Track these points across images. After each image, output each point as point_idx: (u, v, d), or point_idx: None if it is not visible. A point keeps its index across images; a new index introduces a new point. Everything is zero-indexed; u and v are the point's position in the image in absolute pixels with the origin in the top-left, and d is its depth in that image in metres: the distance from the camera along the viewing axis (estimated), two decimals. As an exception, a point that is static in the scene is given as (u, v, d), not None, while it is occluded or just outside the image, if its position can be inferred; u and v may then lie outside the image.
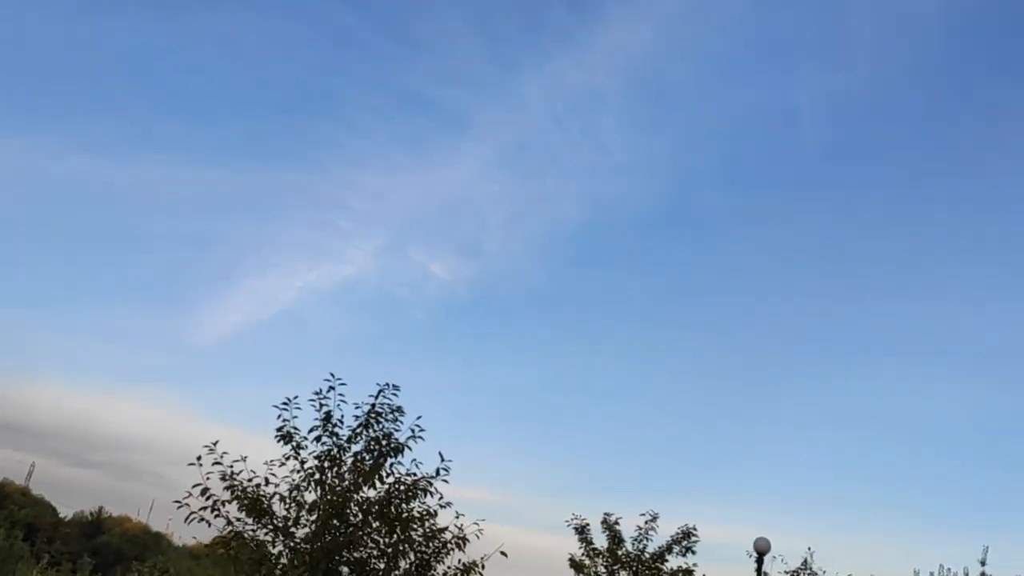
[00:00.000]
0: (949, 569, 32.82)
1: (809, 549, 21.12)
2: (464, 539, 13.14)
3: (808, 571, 21.24)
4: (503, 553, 12.71)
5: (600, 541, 20.30)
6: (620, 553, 19.83)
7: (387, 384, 13.65)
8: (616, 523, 20.21)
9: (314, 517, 13.05)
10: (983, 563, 32.12)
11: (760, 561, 19.27)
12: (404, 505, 13.24)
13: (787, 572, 21.14)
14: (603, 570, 19.72)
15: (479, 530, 13.02)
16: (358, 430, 13.64)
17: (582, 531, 20.32)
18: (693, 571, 18.98)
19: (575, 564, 19.88)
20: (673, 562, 19.62)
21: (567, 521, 20.10)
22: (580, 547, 20.15)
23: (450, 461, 13.54)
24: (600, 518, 20.17)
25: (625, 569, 19.40)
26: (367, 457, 13.49)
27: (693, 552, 19.28)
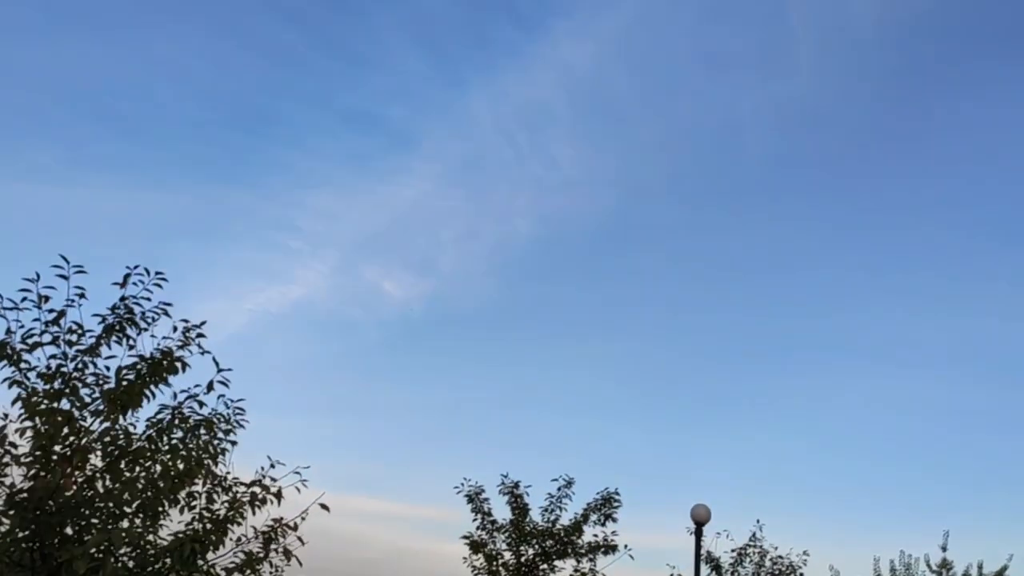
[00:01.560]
0: (910, 555, 29.55)
1: (758, 522, 17.62)
2: (270, 495, 8.28)
3: (757, 547, 17.68)
4: (323, 506, 8.25)
5: (502, 513, 16.28)
6: (526, 525, 15.64)
7: (138, 267, 8.33)
8: (517, 488, 16.04)
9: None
10: (944, 548, 29.07)
11: (699, 532, 15.69)
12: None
13: (733, 550, 17.62)
14: (504, 547, 15.54)
15: (301, 483, 8.47)
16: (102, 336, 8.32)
17: (476, 500, 16.10)
18: (616, 545, 15.49)
19: (474, 543, 15.54)
20: (591, 534, 15.62)
21: (456, 488, 16.13)
22: (475, 519, 15.95)
23: (229, 370, 8.62)
24: (498, 482, 16.08)
25: (532, 545, 15.35)
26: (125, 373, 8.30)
27: (614, 520, 15.41)
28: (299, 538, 8.52)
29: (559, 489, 15.77)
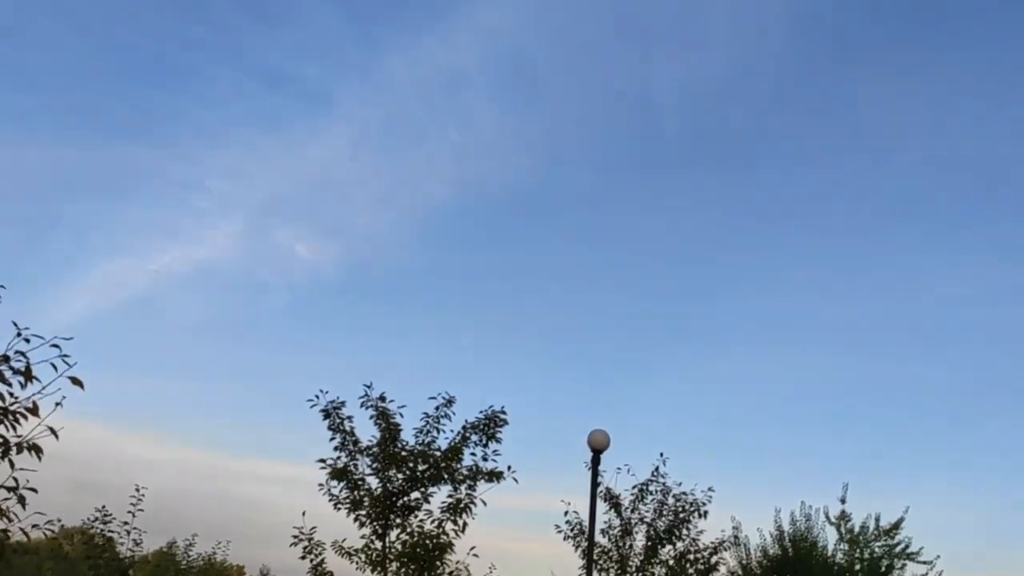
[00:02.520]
0: (811, 506, 28.38)
1: (661, 455, 15.84)
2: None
3: (660, 483, 15.90)
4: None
5: (368, 433, 13.56)
6: (397, 449, 13.04)
7: None
8: (384, 400, 13.27)
9: None
10: (843, 500, 28.66)
11: (596, 460, 13.76)
12: None
13: (635, 486, 15.83)
14: (369, 471, 13.06)
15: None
16: None
17: (335, 416, 13.32)
18: (500, 471, 12.96)
19: (336, 472, 13.04)
20: (470, 458, 13.05)
21: (310, 401, 13.16)
22: (333, 439, 13.24)
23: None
24: (361, 394, 13.15)
25: (401, 469, 12.84)
26: None
27: (498, 441, 12.92)
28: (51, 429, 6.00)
29: (437, 408, 13.25)
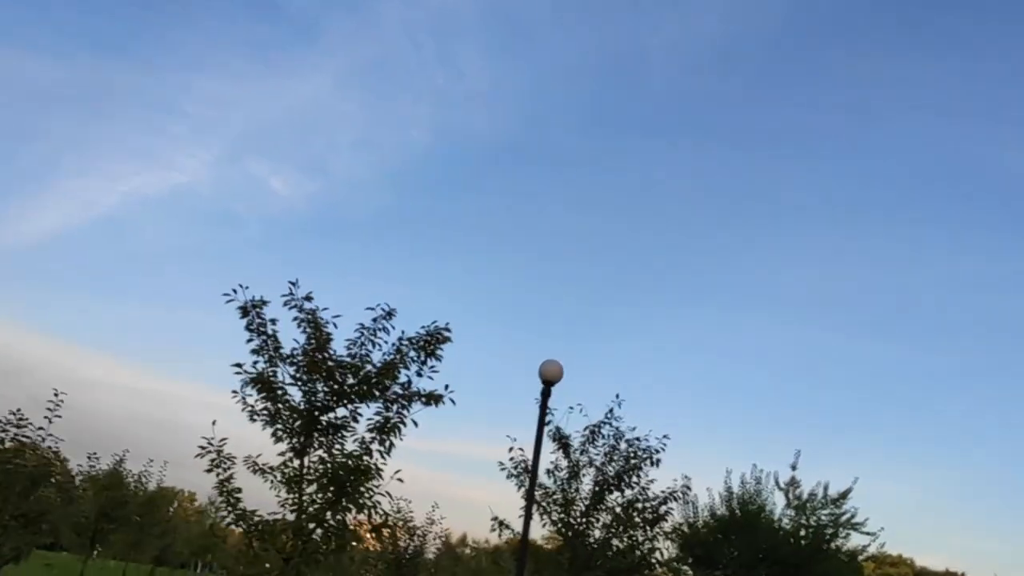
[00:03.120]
0: (762, 470, 29.23)
1: (617, 397, 14.61)
2: None
3: (613, 427, 14.69)
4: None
5: (293, 339, 11.71)
6: (323, 358, 11.40)
7: None
8: (311, 302, 11.52)
9: None
10: (794, 467, 29.09)
11: (546, 393, 12.37)
12: None
13: (587, 427, 14.60)
14: (291, 380, 11.41)
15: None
16: None
17: (254, 315, 11.53)
18: (440, 396, 11.10)
19: (253, 379, 11.30)
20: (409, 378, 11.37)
21: (226, 295, 11.40)
22: (251, 341, 11.41)
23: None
24: (285, 292, 11.41)
25: (328, 382, 11.27)
26: None
27: (438, 358, 11.30)
28: None
29: (374, 320, 11.56)
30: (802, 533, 30.31)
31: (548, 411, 13.75)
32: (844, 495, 31.01)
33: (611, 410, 14.14)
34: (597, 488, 13.96)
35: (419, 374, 10.95)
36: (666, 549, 13.47)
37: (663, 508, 13.94)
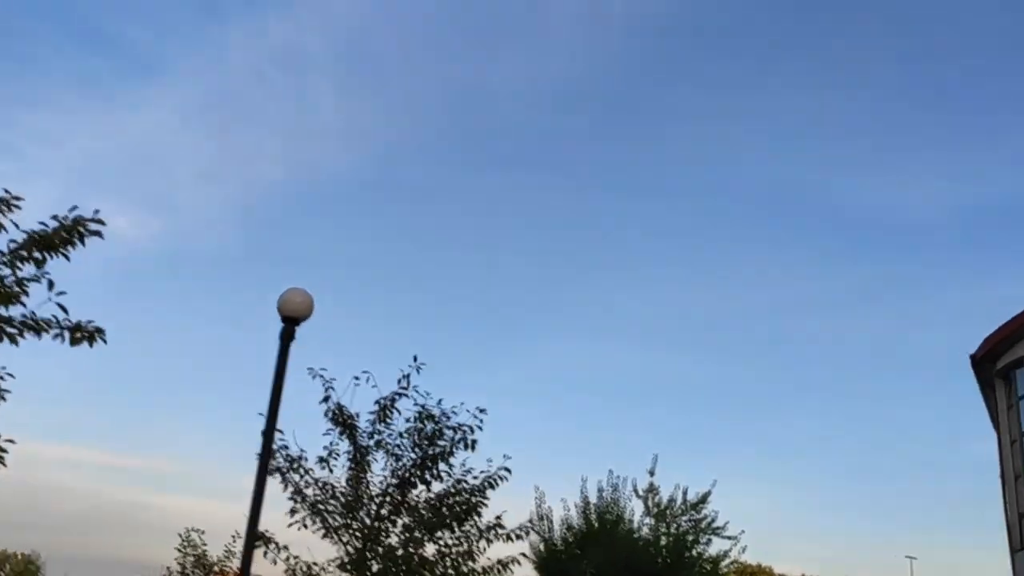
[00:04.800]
0: (618, 476, 27.41)
1: (415, 359, 11.14)
2: None
3: (409, 398, 11.23)
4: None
5: None
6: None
7: None
8: None
9: None
10: (651, 472, 27.93)
11: (289, 333, 8.41)
12: None
13: (377, 401, 11.07)
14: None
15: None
16: None
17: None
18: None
19: None
20: None
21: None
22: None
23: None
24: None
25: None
26: None
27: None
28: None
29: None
30: (663, 542, 28.09)
31: (325, 381, 10.31)
32: (703, 499, 29.05)
33: (406, 376, 10.69)
34: (395, 481, 10.46)
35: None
36: (483, 549, 10.07)
37: (475, 499, 10.43)
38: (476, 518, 10.32)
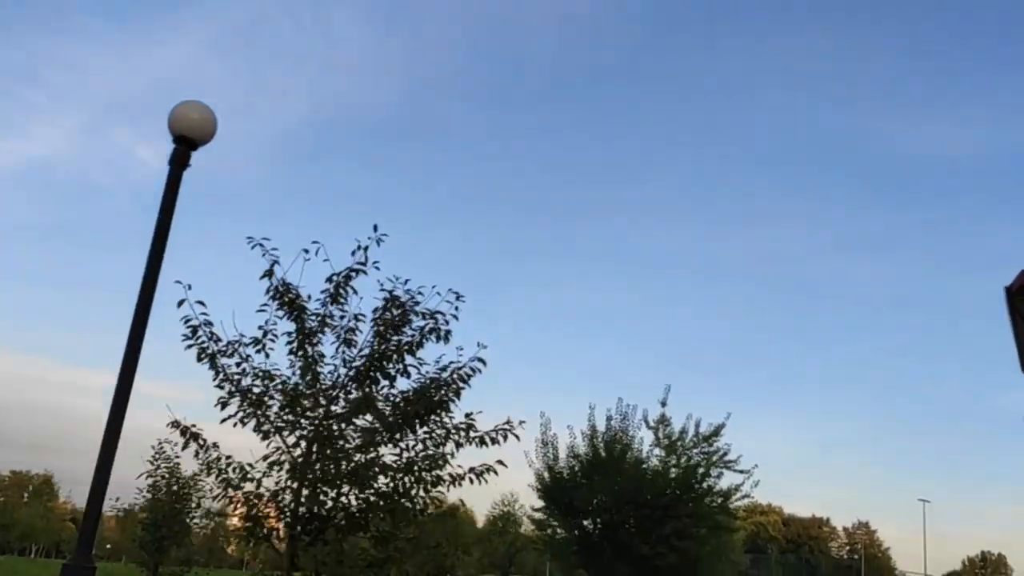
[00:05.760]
0: (628, 404, 25.82)
1: (376, 229, 9.19)
2: None
3: (366, 275, 9.34)
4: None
5: None
6: None
7: None
8: None
9: None
10: (663, 403, 26.29)
11: (181, 156, 6.46)
12: None
13: (332, 277, 9.17)
14: None
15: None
16: None
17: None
18: None
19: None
20: None
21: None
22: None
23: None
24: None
25: None
26: None
27: None
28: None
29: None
30: (672, 474, 26.60)
31: (265, 251, 8.45)
32: (717, 431, 27.40)
33: (364, 248, 8.64)
34: (350, 373, 8.65)
35: None
36: (451, 454, 8.26)
37: (440, 395, 8.46)
38: (444, 417, 8.48)
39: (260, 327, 8.28)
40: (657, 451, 27.37)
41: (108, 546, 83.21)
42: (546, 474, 27.08)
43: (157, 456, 16.86)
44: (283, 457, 8.21)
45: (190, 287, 7.83)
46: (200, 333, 8.17)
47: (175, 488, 16.87)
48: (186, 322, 8.14)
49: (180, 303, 7.95)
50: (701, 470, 27.02)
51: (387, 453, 8.36)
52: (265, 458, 8.16)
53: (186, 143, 5.75)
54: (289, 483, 8.33)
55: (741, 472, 27.42)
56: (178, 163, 5.70)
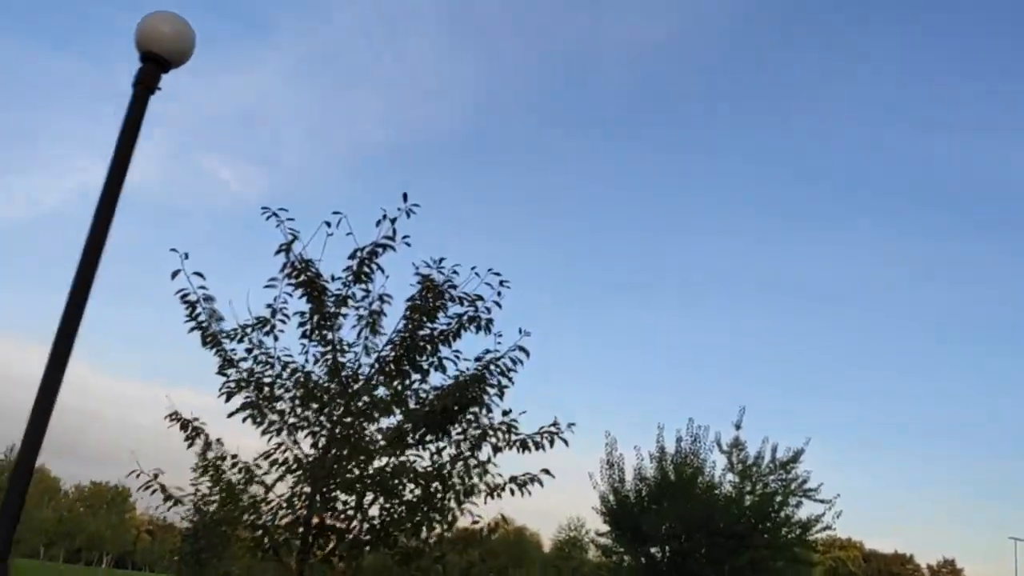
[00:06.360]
0: (699, 426, 24.18)
1: (405, 199, 7.95)
2: None
3: (394, 251, 8.10)
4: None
5: None
6: None
7: None
8: None
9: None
10: (738, 426, 24.70)
11: (148, 75, 5.21)
12: None
13: (354, 253, 7.86)
14: None
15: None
16: None
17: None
18: None
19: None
20: None
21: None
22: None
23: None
24: None
25: None
26: None
27: None
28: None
29: None
30: (747, 502, 24.64)
31: (280, 221, 7.32)
32: (796, 457, 25.33)
33: (392, 220, 7.40)
34: (375, 365, 7.42)
35: None
36: (487, 458, 6.92)
37: (473, 391, 7.07)
38: (481, 416, 7.16)
39: (269, 305, 7.13)
40: (730, 476, 25.55)
41: (176, 557, 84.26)
42: (611, 497, 25.50)
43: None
44: (288, 455, 6.99)
45: (187, 256, 6.73)
46: (199, 310, 7.06)
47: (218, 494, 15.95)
48: (183, 297, 7.03)
49: (174, 274, 6.86)
50: (779, 498, 25.03)
51: (414, 456, 7.06)
52: (267, 456, 6.96)
53: (156, 62, 4.65)
54: (302, 487, 7.11)
55: (821, 502, 25.32)
56: (144, 85, 4.61)
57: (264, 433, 6.86)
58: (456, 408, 6.77)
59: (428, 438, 7.22)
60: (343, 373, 7.31)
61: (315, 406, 7.23)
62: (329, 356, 7.33)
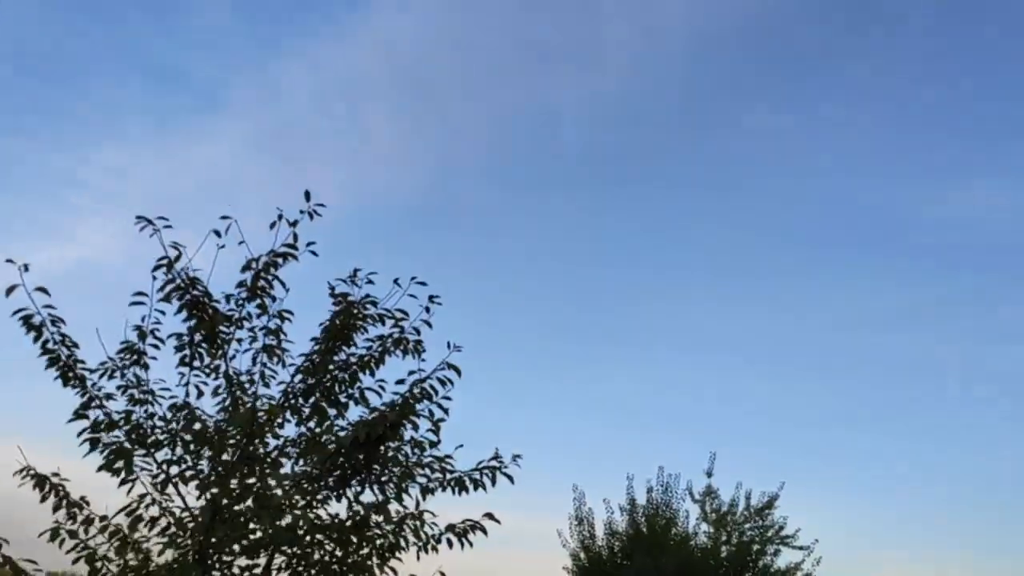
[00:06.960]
0: (670, 474, 23.38)
1: (308, 197, 6.64)
2: None
3: (295, 259, 6.80)
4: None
5: None
6: None
7: None
8: None
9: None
10: (709, 474, 24.02)
11: None
12: None
13: (248, 262, 6.60)
14: None
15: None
16: None
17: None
18: None
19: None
20: None
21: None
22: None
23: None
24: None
25: None
26: None
27: None
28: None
29: None
30: (723, 552, 23.35)
31: (155, 229, 6.06)
32: (770, 503, 24.14)
33: (292, 223, 6.10)
34: (284, 398, 6.10)
35: None
36: (415, 504, 5.58)
37: (398, 417, 5.79)
38: (404, 451, 5.86)
39: (137, 327, 5.79)
40: (705, 526, 24.25)
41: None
42: (582, 554, 24.04)
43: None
44: (160, 511, 5.57)
45: (27, 268, 5.39)
46: (46, 335, 5.69)
47: None
48: (25, 319, 5.66)
49: (10, 290, 5.51)
50: (756, 547, 23.80)
51: (320, 508, 5.70)
52: (129, 512, 5.53)
53: None
54: (189, 553, 5.68)
55: (800, 548, 24.16)
56: None
57: (128, 485, 5.45)
58: (372, 441, 5.43)
59: (345, 482, 5.86)
60: (240, 409, 5.94)
61: (209, 452, 5.84)
62: (223, 390, 5.97)
